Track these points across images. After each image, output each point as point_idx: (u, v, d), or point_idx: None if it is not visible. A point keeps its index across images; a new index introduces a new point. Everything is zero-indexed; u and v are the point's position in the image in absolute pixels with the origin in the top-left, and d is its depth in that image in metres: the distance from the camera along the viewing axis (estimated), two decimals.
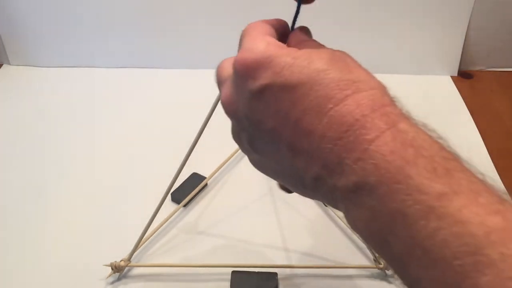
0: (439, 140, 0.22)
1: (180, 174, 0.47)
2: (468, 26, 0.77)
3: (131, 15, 0.78)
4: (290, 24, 0.32)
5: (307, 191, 0.26)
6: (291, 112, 0.23)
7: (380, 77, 0.83)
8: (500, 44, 0.80)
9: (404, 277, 0.21)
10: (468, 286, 0.18)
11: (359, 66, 0.26)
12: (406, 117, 0.23)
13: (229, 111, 0.28)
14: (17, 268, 0.49)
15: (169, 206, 0.55)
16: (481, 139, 0.67)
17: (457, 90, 0.77)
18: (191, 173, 0.59)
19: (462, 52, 0.80)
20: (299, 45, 0.28)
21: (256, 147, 0.27)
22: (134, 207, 0.55)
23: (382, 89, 0.25)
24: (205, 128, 0.44)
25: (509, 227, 0.18)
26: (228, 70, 0.28)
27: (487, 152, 0.64)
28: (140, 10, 0.77)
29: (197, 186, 0.57)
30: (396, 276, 0.23)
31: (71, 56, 0.82)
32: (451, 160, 0.21)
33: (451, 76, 0.80)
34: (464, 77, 0.81)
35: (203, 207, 0.56)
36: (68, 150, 0.65)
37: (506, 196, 0.20)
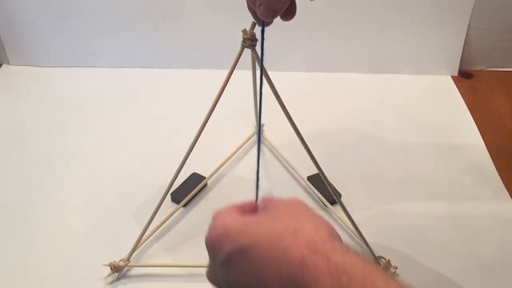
0: (367, 261, 0.28)
1: (180, 174, 0.47)
2: (468, 26, 0.77)
3: (131, 15, 0.78)
4: None
5: None
6: (253, 270, 0.29)
7: (380, 77, 0.83)
8: (500, 44, 0.80)
9: None
10: None
11: (303, 211, 0.31)
12: (338, 248, 0.28)
13: (212, 282, 0.34)
14: (17, 268, 0.49)
15: (169, 206, 0.55)
16: (481, 139, 0.67)
17: (457, 90, 0.77)
18: (191, 173, 0.59)
19: (462, 52, 0.80)
20: (263, 209, 0.34)
21: None
22: (134, 207, 0.55)
23: (317, 228, 0.29)
24: (205, 128, 0.44)
25: None
26: None
27: (487, 152, 0.64)
28: (140, 11, 0.77)
29: (197, 186, 0.57)
30: None
31: (71, 56, 0.82)
32: (378, 277, 0.26)
33: (451, 76, 0.80)
34: (464, 77, 0.81)
35: (203, 207, 0.56)
36: (67, 150, 0.64)
37: None
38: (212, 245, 0.31)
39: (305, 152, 0.44)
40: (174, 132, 0.67)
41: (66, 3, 0.77)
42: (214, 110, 0.44)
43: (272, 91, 0.41)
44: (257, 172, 0.39)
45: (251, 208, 0.35)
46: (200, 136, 0.45)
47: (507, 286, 0.48)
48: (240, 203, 0.35)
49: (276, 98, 0.42)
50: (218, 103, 0.44)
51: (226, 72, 0.42)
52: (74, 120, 0.70)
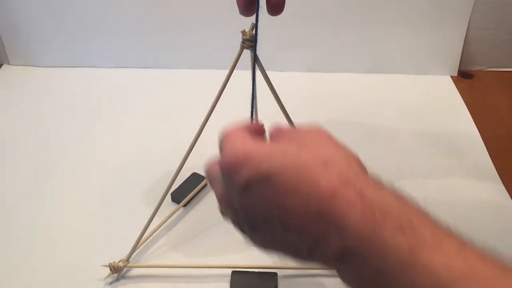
0: (404, 198, 0.26)
1: (180, 174, 0.47)
2: (468, 26, 0.77)
3: (131, 16, 0.78)
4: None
5: (304, 259, 0.29)
6: (275, 198, 0.27)
7: (380, 77, 0.84)
8: (500, 44, 0.80)
9: None
10: None
11: (329, 140, 0.29)
12: (372, 183, 0.27)
13: (225, 206, 0.31)
14: (16, 268, 0.49)
15: (169, 206, 0.55)
16: (481, 139, 0.67)
17: (457, 90, 0.77)
18: (191, 173, 0.59)
19: (462, 52, 0.80)
20: (278, 136, 0.32)
21: (255, 229, 0.30)
22: (134, 207, 0.55)
23: (349, 160, 0.28)
24: (205, 128, 0.44)
25: (468, 267, 0.23)
26: (216, 170, 0.31)
27: (487, 152, 0.64)
28: (140, 11, 0.77)
29: (197, 186, 0.57)
30: None
31: (71, 56, 0.82)
32: (415, 215, 0.25)
33: (451, 76, 0.80)
34: (464, 77, 0.81)
35: (203, 207, 0.56)
36: (67, 150, 0.64)
37: (466, 237, 0.25)
38: (230, 169, 0.29)
39: None
40: (174, 132, 0.67)
41: (66, 3, 0.77)
42: (214, 110, 0.44)
43: (271, 91, 0.41)
44: None
45: (258, 130, 0.33)
46: (200, 136, 0.45)
47: None
48: (246, 122, 0.32)
49: (275, 98, 0.42)
50: (218, 103, 0.44)
51: (226, 72, 0.42)
52: (74, 120, 0.70)
